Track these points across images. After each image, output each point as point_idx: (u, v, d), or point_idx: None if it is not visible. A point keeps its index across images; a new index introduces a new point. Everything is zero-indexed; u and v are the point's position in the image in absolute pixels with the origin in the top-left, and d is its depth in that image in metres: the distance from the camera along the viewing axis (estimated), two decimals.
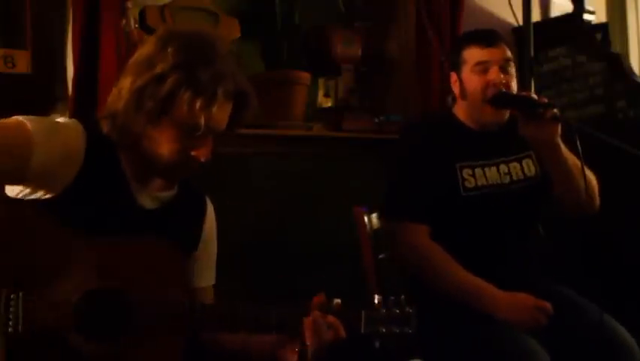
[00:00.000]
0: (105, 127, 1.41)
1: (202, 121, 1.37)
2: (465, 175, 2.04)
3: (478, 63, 2.02)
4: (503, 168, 2.09)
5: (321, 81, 2.98)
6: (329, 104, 2.98)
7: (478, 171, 2.06)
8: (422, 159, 2.05)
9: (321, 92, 2.99)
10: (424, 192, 2.02)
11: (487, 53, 2.02)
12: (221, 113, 1.40)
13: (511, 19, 3.09)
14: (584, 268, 2.73)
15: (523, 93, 2.00)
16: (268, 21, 2.77)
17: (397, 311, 1.46)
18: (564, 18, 3.21)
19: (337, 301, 1.45)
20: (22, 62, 2.16)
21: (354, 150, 2.85)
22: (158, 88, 1.35)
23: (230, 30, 2.53)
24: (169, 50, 1.37)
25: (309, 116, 2.85)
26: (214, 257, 1.66)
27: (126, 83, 1.38)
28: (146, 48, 1.41)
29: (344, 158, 2.81)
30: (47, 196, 1.36)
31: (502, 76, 2.00)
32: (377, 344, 1.46)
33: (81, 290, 1.32)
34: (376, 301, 1.47)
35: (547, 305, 1.85)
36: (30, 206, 1.35)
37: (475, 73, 2.03)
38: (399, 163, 2.13)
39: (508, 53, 2.05)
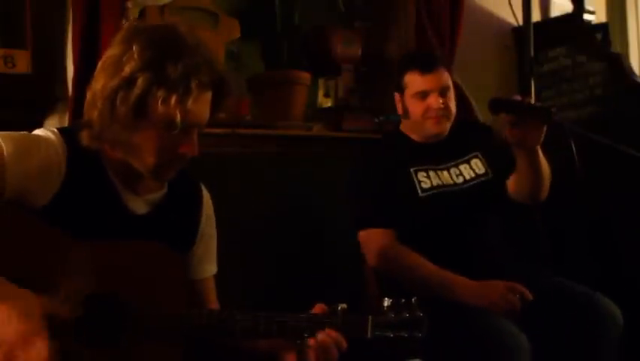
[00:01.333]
0: (85, 139, 1.38)
1: (178, 117, 1.32)
2: (420, 177, 2.17)
3: (418, 92, 2.18)
4: (454, 170, 2.23)
5: (321, 81, 2.98)
6: (329, 104, 2.98)
7: (431, 173, 2.20)
8: (378, 170, 2.18)
9: (321, 92, 2.99)
10: (384, 198, 2.12)
11: (425, 81, 2.17)
12: (198, 106, 1.35)
13: (511, 19, 3.09)
14: (583, 267, 2.73)
15: (517, 98, 2.02)
16: (268, 21, 2.77)
17: (407, 315, 1.42)
18: (564, 18, 3.21)
19: (343, 306, 1.42)
20: (22, 62, 2.15)
21: (354, 150, 2.84)
22: (129, 92, 1.30)
23: (230, 30, 2.53)
24: (134, 48, 1.32)
25: (309, 116, 2.84)
26: (214, 247, 1.64)
27: (98, 88, 1.34)
28: (113, 48, 1.36)
29: (344, 158, 2.81)
30: (32, 208, 1.35)
31: (440, 101, 2.17)
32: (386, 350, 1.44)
33: (79, 296, 1.31)
34: (385, 304, 1.42)
35: (520, 287, 1.89)
36: (21, 214, 1.34)
37: (416, 99, 2.20)
38: (356, 179, 2.23)
39: (446, 79, 2.20)
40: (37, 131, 1.42)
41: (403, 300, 1.43)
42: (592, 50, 2.99)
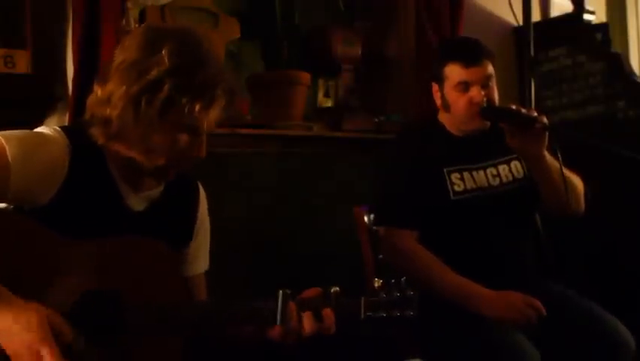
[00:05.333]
0: (99, 137, 1.38)
1: (204, 123, 1.36)
2: (453, 179, 2.07)
3: (460, 83, 2.05)
4: (492, 170, 2.12)
5: (321, 81, 2.98)
6: (329, 104, 2.99)
7: (466, 175, 2.08)
8: (409, 167, 2.08)
9: (321, 92, 2.99)
10: (412, 197, 2.04)
11: (468, 73, 2.04)
12: (217, 113, 1.39)
13: (511, 19, 3.09)
14: (584, 269, 2.73)
15: (512, 107, 2.00)
16: (268, 21, 2.77)
17: (398, 294, 1.46)
18: (564, 18, 3.20)
19: (335, 288, 1.45)
20: (22, 62, 2.16)
21: (354, 150, 2.85)
22: (155, 95, 1.32)
23: (231, 30, 2.53)
24: (163, 52, 1.33)
25: (309, 116, 2.85)
26: (207, 243, 1.65)
27: (116, 89, 1.35)
28: (134, 51, 1.36)
29: (344, 158, 2.81)
30: (33, 207, 1.35)
31: (482, 93, 2.03)
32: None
33: (77, 293, 1.31)
34: (376, 285, 1.46)
35: (537, 302, 1.85)
36: (19, 214, 1.35)
37: (457, 91, 2.06)
38: (386, 170, 2.16)
39: (490, 70, 2.07)
40: (41, 129, 1.42)
41: (393, 280, 1.46)
42: (592, 50, 2.98)
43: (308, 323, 1.41)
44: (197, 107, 1.33)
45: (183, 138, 1.38)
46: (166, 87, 1.32)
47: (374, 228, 2.15)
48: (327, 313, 1.42)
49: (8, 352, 1.19)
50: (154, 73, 1.32)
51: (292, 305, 1.41)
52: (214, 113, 1.38)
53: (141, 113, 1.33)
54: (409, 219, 2.03)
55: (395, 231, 2.04)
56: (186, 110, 1.33)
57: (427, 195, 2.04)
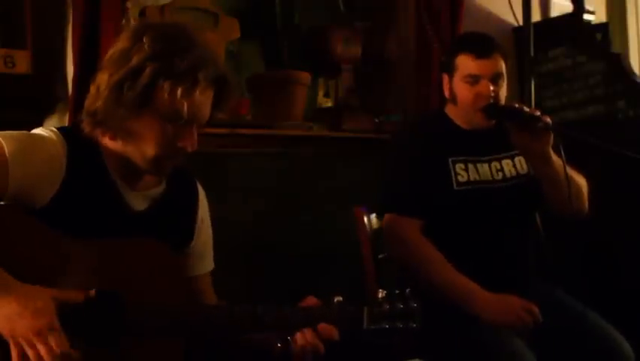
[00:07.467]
0: (86, 126, 1.40)
1: (185, 108, 1.35)
2: (458, 170, 2.07)
3: (469, 75, 2.04)
4: (496, 164, 2.12)
5: (321, 81, 2.98)
6: (329, 104, 2.99)
7: (470, 166, 2.08)
8: (415, 155, 2.08)
9: (321, 92, 3.00)
10: (417, 186, 2.04)
11: (478, 65, 2.03)
12: (203, 100, 1.38)
13: (511, 19, 3.10)
14: (583, 269, 2.73)
15: (516, 105, 2.00)
16: (268, 21, 2.77)
17: (401, 306, 1.44)
18: (564, 18, 3.21)
19: (338, 298, 1.44)
20: (22, 62, 2.15)
21: (354, 150, 2.85)
22: (136, 80, 1.33)
23: (230, 30, 2.53)
24: (144, 40, 1.35)
25: (309, 116, 2.85)
26: (210, 242, 1.65)
27: (103, 79, 1.37)
28: (121, 42, 1.39)
29: (344, 158, 2.81)
30: (32, 207, 1.35)
31: (491, 88, 2.02)
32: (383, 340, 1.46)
33: None
34: (380, 295, 1.45)
35: (534, 307, 1.85)
36: (19, 213, 1.34)
37: (466, 83, 2.05)
38: (392, 159, 2.16)
39: (500, 65, 2.05)
40: (37, 130, 1.43)
41: (397, 291, 1.45)
42: (592, 50, 2.98)
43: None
44: (179, 93, 1.33)
45: (169, 126, 1.37)
46: (147, 72, 1.33)
47: (378, 218, 2.14)
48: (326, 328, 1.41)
49: (8, 336, 1.21)
50: (135, 59, 1.34)
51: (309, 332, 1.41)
52: (200, 100, 1.37)
53: (123, 99, 1.34)
54: (414, 208, 2.02)
55: (399, 219, 2.03)
56: (168, 96, 1.33)
57: (432, 185, 2.04)
